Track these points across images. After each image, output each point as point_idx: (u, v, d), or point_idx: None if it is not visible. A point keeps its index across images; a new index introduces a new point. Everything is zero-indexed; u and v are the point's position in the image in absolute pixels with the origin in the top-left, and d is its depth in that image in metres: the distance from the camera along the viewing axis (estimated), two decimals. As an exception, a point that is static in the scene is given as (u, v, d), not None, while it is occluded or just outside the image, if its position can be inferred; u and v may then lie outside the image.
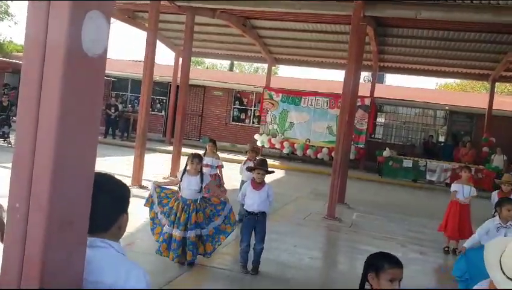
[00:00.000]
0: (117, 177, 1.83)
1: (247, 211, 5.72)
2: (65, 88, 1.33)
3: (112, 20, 20.30)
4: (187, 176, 5.70)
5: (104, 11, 1.43)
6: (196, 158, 5.74)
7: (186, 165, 5.78)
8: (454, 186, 7.92)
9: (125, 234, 6.09)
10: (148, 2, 11.00)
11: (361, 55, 11.53)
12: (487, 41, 14.82)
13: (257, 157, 8.31)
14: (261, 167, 5.78)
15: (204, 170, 7.85)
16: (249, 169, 5.90)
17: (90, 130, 1.44)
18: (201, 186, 5.65)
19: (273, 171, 6.14)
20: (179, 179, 5.75)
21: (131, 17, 16.80)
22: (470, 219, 7.78)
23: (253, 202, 5.66)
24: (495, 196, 7.63)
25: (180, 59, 15.15)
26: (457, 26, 13.37)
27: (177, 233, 5.49)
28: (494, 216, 5.25)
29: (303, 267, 6.23)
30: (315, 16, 14.01)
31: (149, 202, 5.88)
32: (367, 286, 2.50)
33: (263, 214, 5.75)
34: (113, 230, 1.72)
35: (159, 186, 5.90)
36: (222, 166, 8.41)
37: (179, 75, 14.21)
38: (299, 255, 6.72)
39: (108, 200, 1.67)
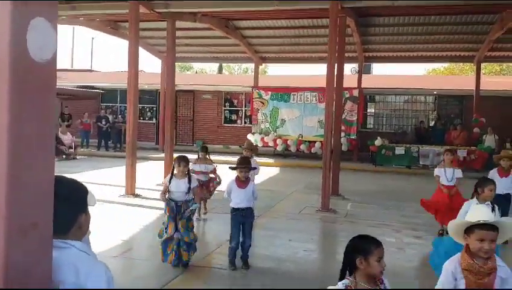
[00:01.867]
0: (76, 179, 1.87)
1: (234, 208, 5.79)
2: (14, 94, 1.37)
3: (96, 32, 20.22)
4: (175, 180, 5.76)
5: (48, 17, 1.48)
6: (182, 161, 5.80)
7: (173, 168, 5.84)
8: (436, 171, 7.85)
9: (120, 242, 6.10)
10: (128, 11, 11.01)
11: (343, 47, 11.60)
12: (468, 23, 14.93)
13: (253, 155, 8.40)
14: (243, 166, 5.84)
15: (200, 177, 7.94)
16: (233, 168, 5.95)
17: (44, 132, 1.49)
18: (189, 187, 5.71)
19: (255, 168, 6.29)
20: (167, 184, 5.80)
21: (113, 28, 16.84)
22: (463, 200, 7.69)
23: (240, 199, 5.75)
24: (494, 173, 7.41)
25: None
26: (437, 9, 13.46)
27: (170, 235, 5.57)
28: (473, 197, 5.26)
29: (298, 260, 6.27)
30: (297, 12, 14.07)
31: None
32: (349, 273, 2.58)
33: (250, 210, 5.84)
34: (73, 231, 1.74)
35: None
36: (215, 169, 8.51)
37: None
38: (293, 248, 6.76)
39: (63, 203, 1.66)
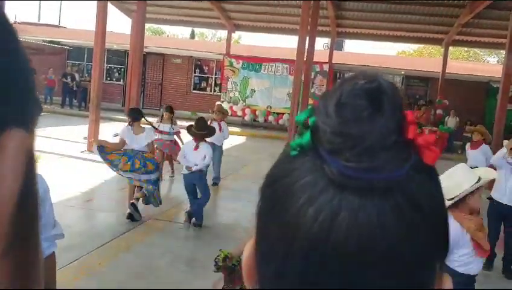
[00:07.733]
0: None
1: (185, 168, 5.80)
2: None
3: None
4: (130, 134, 5.76)
5: None
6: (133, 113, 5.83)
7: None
8: None
9: (78, 193, 6.04)
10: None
11: (317, 19, 11.62)
12: (440, 5, 15.12)
13: (223, 119, 8.39)
14: (195, 132, 5.81)
15: (162, 137, 7.88)
16: (188, 128, 5.94)
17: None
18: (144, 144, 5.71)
19: (206, 134, 6.03)
20: (122, 137, 5.79)
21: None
22: None
23: (191, 160, 5.75)
24: (468, 146, 7.74)
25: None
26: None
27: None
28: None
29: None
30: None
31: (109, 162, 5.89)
32: None
33: (201, 171, 5.84)
34: None
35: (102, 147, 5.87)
36: (179, 132, 8.41)
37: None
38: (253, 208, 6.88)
39: None
